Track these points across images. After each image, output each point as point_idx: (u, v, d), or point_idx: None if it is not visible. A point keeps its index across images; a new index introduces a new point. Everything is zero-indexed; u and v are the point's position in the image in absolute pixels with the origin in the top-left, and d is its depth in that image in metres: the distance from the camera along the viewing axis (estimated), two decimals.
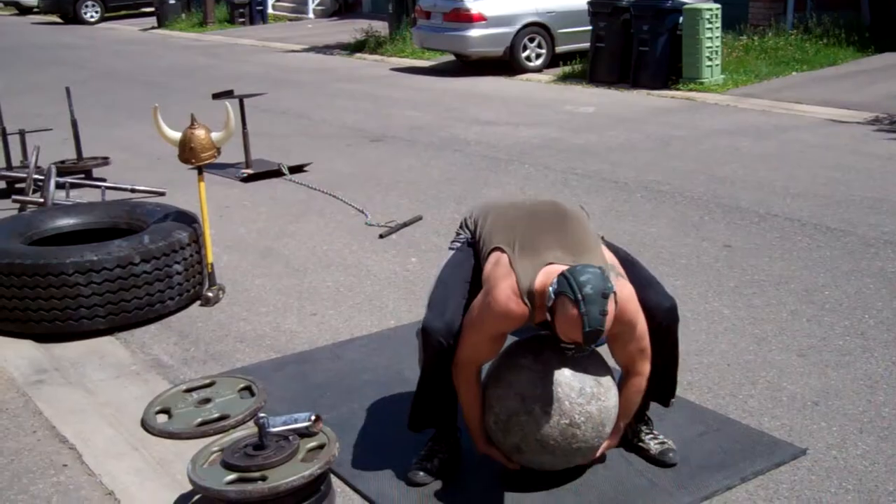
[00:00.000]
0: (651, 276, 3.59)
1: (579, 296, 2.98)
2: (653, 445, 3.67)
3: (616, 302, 3.09)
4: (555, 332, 3.14)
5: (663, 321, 3.49)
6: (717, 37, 12.52)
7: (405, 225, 6.88)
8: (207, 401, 4.19)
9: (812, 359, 4.53)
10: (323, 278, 5.91)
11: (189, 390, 4.31)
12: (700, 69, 12.50)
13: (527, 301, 3.20)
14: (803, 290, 5.40)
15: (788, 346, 4.69)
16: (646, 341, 3.40)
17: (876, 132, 9.66)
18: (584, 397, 3.33)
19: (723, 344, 4.74)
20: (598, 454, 3.50)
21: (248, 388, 4.30)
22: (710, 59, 12.55)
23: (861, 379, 4.30)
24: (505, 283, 3.23)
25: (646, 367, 3.46)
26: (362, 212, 7.28)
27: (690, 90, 12.38)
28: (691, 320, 5.03)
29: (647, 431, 3.72)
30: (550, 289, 3.09)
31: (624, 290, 3.25)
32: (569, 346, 3.15)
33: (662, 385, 3.67)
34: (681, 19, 12.59)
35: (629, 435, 3.73)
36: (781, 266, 5.78)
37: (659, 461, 3.62)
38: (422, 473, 3.55)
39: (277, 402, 4.21)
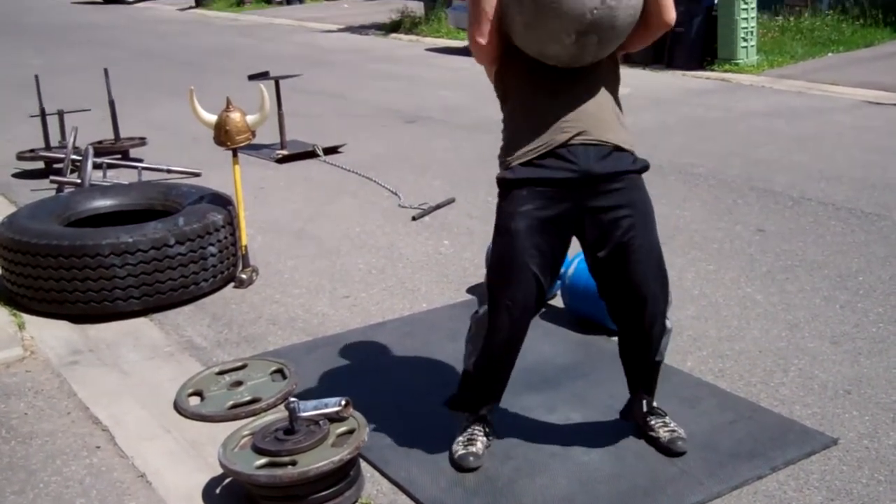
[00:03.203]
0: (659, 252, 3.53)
1: None
2: (662, 433, 3.65)
3: None
4: None
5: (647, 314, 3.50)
6: (752, 17, 12.44)
7: (438, 207, 6.89)
8: (239, 383, 4.22)
9: (845, 346, 4.50)
10: (355, 260, 5.93)
11: (221, 373, 4.34)
12: (735, 50, 12.42)
13: None
14: (837, 275, 5.36)
15: (821, 332, 4.66)
16: None
17: None
18: None
19: (755, 330, 4.72)
20: None
21: (279, 371, 4.33)
22: (746, 40, 12.46)
23: (894, 367, 4.27)
24: None
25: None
26: (395, 193, 7.30)
27: (725, 71, 12.30)
28: (723, 306, 5.01)
29: (657, 420, 3.70)
30: None
31: None
32: None
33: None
34: (716, 0, 12.50)
35: (639, 423, 3.74)
36: (815, 251, 5.75)
37: (669, 450, 3.60)
38: (472, 458, 3.55)
39: (309, 385, 4.23)
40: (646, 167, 3.47)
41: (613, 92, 3.45)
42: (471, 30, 3.33)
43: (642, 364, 3.64)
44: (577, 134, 3.30)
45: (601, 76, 3.39)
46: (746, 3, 12.29)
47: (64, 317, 5.03)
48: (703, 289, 5.26)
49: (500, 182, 3.44)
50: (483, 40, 3.29)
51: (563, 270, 4.77)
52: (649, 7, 3.28)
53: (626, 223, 3.37)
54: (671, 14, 3.33)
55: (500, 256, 3.44)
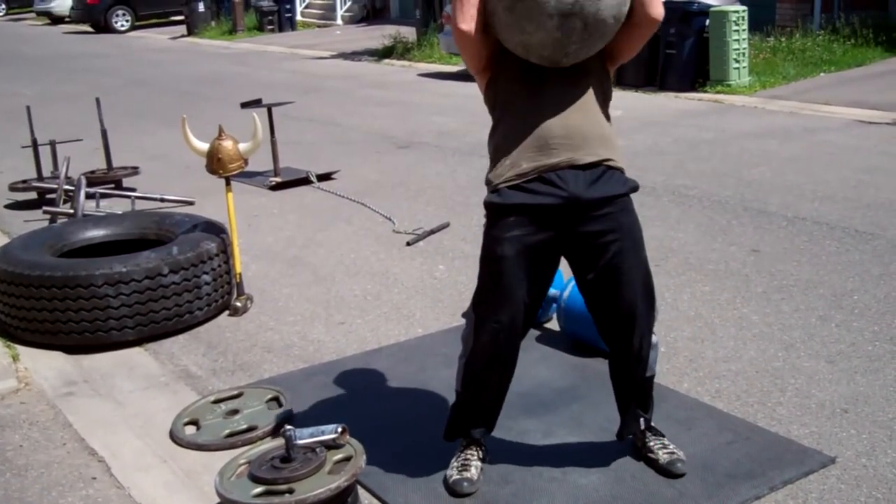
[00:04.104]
0: (647, 270, 3.53)
1: None
2: (661, 455, 3.64)
3: None
4: None
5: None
6: (743, 39, 12.48)
7: (432, 232, 6.89)
8: (235, 412, 4.21)
9: (841, 365, 4.50)
10: (350, 287, 5.92)
11: (217, 401, 4.33)
12: (727, 71, 12.46)
13: None
14: (832, 294, 5.36)
15: (817, 352, 4.66)
16: None
17: None
18: None
19: (751, 351, 4.71)
20: None
21: (275, 399, 4.31)
22: (738, 61, 12.50)
23: (891, 385, 4.27)
24: None
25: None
26: (389, 219, 7.30)
27: (718, 92, 12.34)
28: (719, 326, 5.01)
29: (656, 441, 3.70)
30: None
31: None
32: None
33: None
34: (707, 22, 12.55)
35: (638, 444, 3.73)
36: (810, 270, 5.75)
37: (668, 472, 3.59)
38: (466, 483, 3.54)
39: (305, 412, 4.22)
40: (635, 188, 3.46)
41: (604, 106, 3.43)
42: (454, 16, 3.26)
43: (634, 380, 3.63)
44: (567, 156, 3.29)
45: (592, 89, 3.37)
46: (738, 25, 12.34)
47: (58, 347, 5.01)
48: (698, 310, 5.25)
49: (488, 206, 3.43)
50: (465, 26, 3.23)
51: (559, 293, 4.78)
52: (635, 3, 3.25)
53: (615, 247, 3.36)
54: (658, 9, 3.28)
55: (487, 280, 3.44)
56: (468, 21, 3.22)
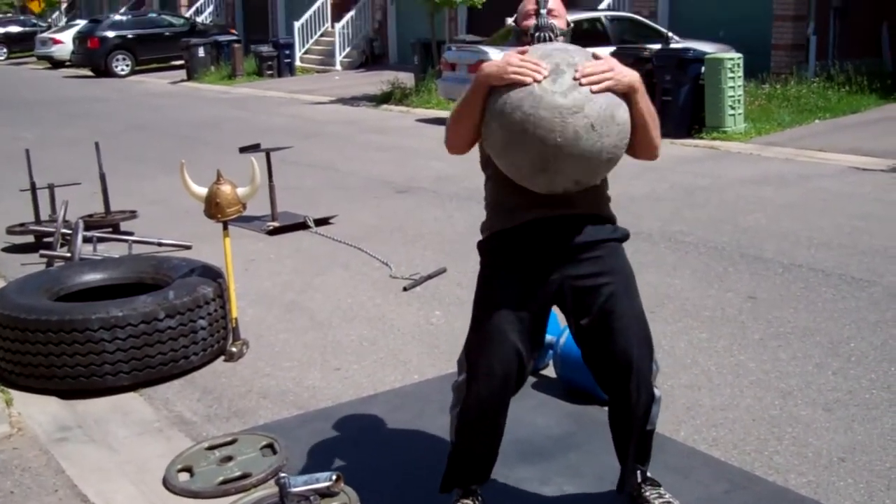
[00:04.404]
0: (642, 317, 3.52)
1: None
2: None
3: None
4: (522, 31, 3.40)
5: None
6: (739, 86, 12.57)
7: (429, 277, 6.89)
8: (229, 459, 4.18)
9: (838, 413, 4.48)
10: (347, 332, 5.91)
11: (211, 448, 4.31)
12: (723, 118, 12.53)
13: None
14: (829, 342, 5.36)
15: (814, 400, 4.65)
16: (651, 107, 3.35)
17: None
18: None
19: (748, 398, 4.70)
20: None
21: (270, 446, 4.29)
22: (733, 108, 12.58)
23: (888, 434, 4.26)
24: None
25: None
26: (386, 264, 7.30)
27: (714, 139, 12.41)
28: (716, 374, 5.00)
29: (652, 490, 3.65)
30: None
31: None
32: (531, 32, 3.34)
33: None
34: (703, 69, 12.64)
35: (633, 493, 3.70)
36: (806, 318, 5.75)
37: None
38: None
39: (299, 459, 4.20)
40: (626, 236, 3.49)
41: None
42: (448, 137, 3.40)
43: (633, 433, 3.59)
44: (561, 206, 3.32)
45: None
46: (733, 72, 12.42)
47: (52, 392, 4.99)
48: (695, 357, 5.25)
49: (481, 249, 3.46)
50: (452, 152, 3.44)
51: (555, 339, 4.77)
52: (637, 142, 3.31)
53: (608, 290, 3.37)
54: (657, 152, 3.40)
55: (480, 323, 3.43)
56: (455, 150, 3.45)
